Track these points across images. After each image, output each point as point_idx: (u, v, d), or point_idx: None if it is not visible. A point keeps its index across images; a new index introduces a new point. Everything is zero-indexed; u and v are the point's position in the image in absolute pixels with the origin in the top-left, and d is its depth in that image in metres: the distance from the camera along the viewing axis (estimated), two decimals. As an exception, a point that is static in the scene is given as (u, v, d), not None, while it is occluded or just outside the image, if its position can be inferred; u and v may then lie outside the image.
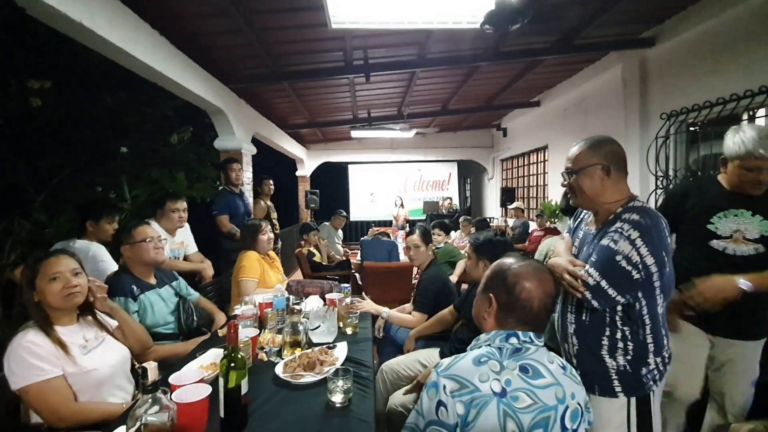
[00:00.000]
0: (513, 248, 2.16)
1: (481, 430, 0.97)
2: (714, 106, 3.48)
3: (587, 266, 1.31)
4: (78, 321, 1.58)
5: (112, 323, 1.74)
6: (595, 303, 1.29)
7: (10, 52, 4.03)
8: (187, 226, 3.11)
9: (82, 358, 1.47)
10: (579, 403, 1.07)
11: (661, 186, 4.12)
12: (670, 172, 4.04)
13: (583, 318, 1.39)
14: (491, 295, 1.15)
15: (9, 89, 4.12)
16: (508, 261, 1.19)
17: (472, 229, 5.92)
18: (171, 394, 1.18)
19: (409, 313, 2.59)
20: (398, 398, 1.95)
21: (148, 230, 2.15)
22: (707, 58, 3.60)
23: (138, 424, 0.98)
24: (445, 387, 1.01)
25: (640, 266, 1.24)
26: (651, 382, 1.33)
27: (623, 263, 1.24)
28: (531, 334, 1.10)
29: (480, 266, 2.07)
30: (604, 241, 1.29)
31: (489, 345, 1.10)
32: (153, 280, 2.18)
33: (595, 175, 1.37)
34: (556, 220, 6.21)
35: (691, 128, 3.91)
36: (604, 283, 1.26)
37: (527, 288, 1.11)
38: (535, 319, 1.12)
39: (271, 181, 5.19)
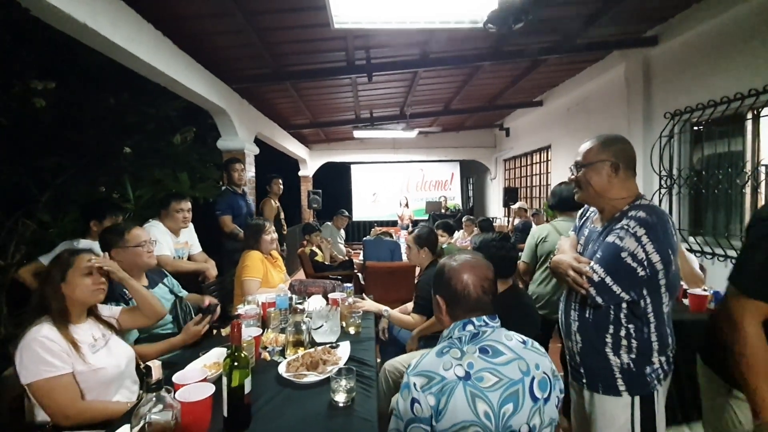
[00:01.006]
0: (512, 251, 2.13)
1: (452, 416, 1.00)
2: (718, 105, 3.47)
3: (592, 263, 1.32)
4: (86, 320, 1.60)
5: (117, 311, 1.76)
6: (599, 299, 1.29)
7: (14, 52, 4.04)
8: (191, 226, 3.12)
9: (92, 357, 1.48)
10: (545, 373, 1.10)
11: (665, 186, 4.10)
12: (674, 172, 4.02)
13: (587, 315, 1.39)
14: (438, 296, 1.24)
15: (12, 90, 4.14)
16: (444, 262, 1.27)
17: (475, 229, 5.91)
18: (175, 393, 1.19)
19: (409, 314, 2.59)
20: None
21: (142, 234, 2.09)
22: (711, 56, 3.58)
23: (142, 422, 0.98)
24: (415, 384, 1.05)
25: (645, 263, 1.24)
26: (655, 381, 1.32)
27: (628, 260, 1.24)
28: (484, 317, 1.16)
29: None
30: (610, 238, 1.30)
31: (450, 338, 1.16)
32: (144, 281, 2.14)
33: (603, 171, 1.39)
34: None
35: (695, 127, 3.90)
36: (608, 280, 1.26)
37: (462, 279, 1.19)
38: (478, 304, 1.18)
39: (281, 180, 5.13)
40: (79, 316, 1.56)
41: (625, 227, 1.27)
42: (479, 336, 1.13)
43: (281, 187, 5.07)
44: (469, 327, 1.15)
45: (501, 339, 1.13)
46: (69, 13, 2.10)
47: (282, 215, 5.13)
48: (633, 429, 1.32)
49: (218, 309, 2.17)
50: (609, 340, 1.34)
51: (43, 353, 1.37)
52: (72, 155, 4.68)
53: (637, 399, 1.32)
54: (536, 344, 1.18)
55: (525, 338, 1.17)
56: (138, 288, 1.82)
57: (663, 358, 1.33)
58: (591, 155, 1.41)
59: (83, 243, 2.43)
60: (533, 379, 1.06)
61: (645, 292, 1.28)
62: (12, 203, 4.49)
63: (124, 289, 2.00)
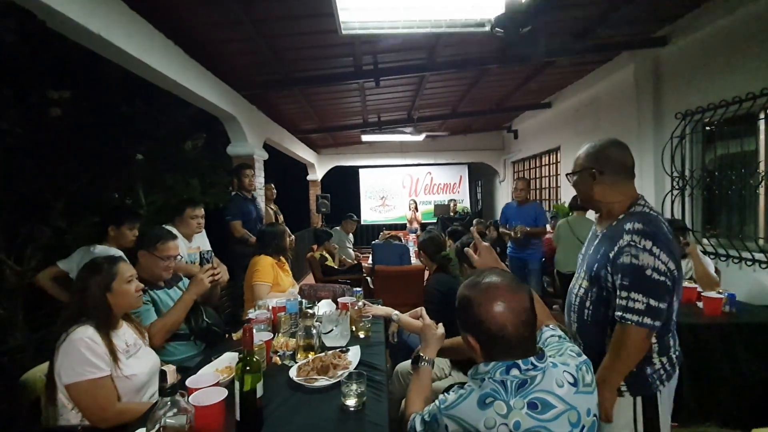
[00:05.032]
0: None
1: None
2: (730, 105, 3.42)
3: (624, 291, 1.27)
4: (122, 325, 1.64)
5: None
6: (657, 323, 1.25)
7: (31, 64, 4.15)
8: (203, 231, 3.17)
9: (126, 362, 1.51)
10: (596, 415, 1.02)
11: (677, 187, 4.05)
12: (686, 173, 3.97)
13: (585, 317, 1.40)
14: (469, 337, 1.05)
15: (29, 99, 4.24)
16: (466, 293, 1.06)
17: (487, 232, 5.89)
18: (188, 397, 1.20)
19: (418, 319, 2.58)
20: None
21: (172, 249, 2.15)
22: (722, 56, 3.54)
23: (157, 426, 1.00)
24: (447, 427, 0.96)
25: (668, 274, 1.24)
26: (657, 382, 1.32)
27: (655, 275, 1.23)
28: (532, 359, 0.99)
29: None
30: (625, 260, 1.27)
31: (491, 378, 1.00)
32: (161, 283, 2.21)
33: (585, 179, 1.43)
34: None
35: (707, 128, 3.84)
36: (653, 302, 1.23)
37: (495, 318, 1.00)
38: (520, 343, 1.00)
39: (273, 185, 5.23)
40: (117, 322, 1.60)
41: (632, 244, 1.26)
42: (528, 385, 0.96)
43: (274, 192, 5.20)
44: (515, 372, 0.98)
45: (552, 387, 0.97)
46: (84, 24, 2.15)
47: (281, 218, 5.17)
48: (636, 429, 1.32)
49: (213, 257, 2.30)
50: (608, 341, 1.34)
51: (89, 354, 1.40)
52: (86, 162, 4.77)
53: (639, 400, 1.33)
54: (586, 378, 1.03)
55: (575, 376, 1.01)
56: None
57: (665, 359, 1.33)
58: (576, 164, 1.48)
59: (99, 248, 2.48)
60: (583, 428, 0.97)
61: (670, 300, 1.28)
62: (28, 210, 4.59)
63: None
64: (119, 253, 2.48)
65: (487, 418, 0.93)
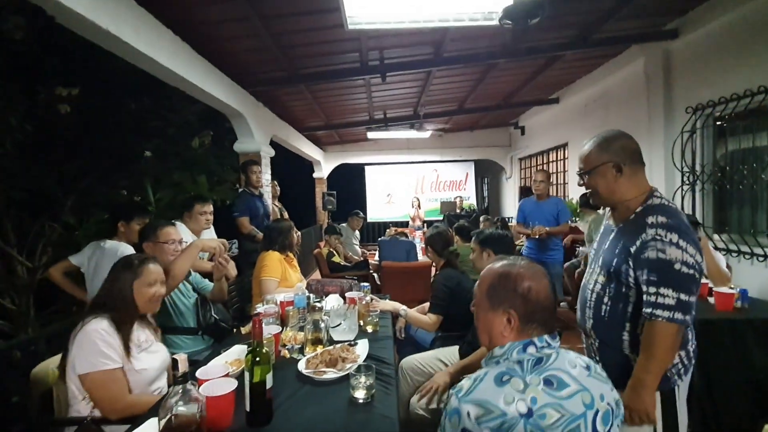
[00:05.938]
0: (512, 241, 2.37)
1: None
2: (741, 98, 3.37)
3: (652, 287, 1.24)
4: (135, 322, 1.64)
5: None
6: (688, 318, 1.22)
7: (40, 60, 4.18)
8: (211, 227, 3.19)
9: (137, 357, 1.53)
10: (609, 404, 1.01)
11: (687, 182, 4.00)
12: (697, 168, 3.92)
13: (602, 314, 1.38)
14: (510, 311, 1.06)
15: (38, 96, 4.28)
16: (503, 270, 1.10)
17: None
18: (198, 388, 1.21)
19: (426, 314, 2.58)
20: (420, 401, 1.94)
21: (172, 233, 2.18)
22: (733, 49, 3.49)
23: (169, 414, 1.01)
24: (469, 413, 0.94)
25: (696, 267, 1.22)
26: (675, 377, 1.31)
27: (684, 269, 1.21)
28: (546, 337, 1.03)
29: (484, 256, 2.25)
30: (650, 254, 1.24)
31: (507, 359, 1.02)
32: None
33: (607, 174, 1.36)
34: (577, 219, 6.09)
35: (719, 122, 3.79)
36: (683, 296, 1.21)
37: (536, 288, 1.05)
38: (553, 315, 1.06)
39: (276, 182, 5.27)
40: (134, 320, 1.62)
41: (657, 238, 1.23)
42: (543, 363, 0.99)
43: (278, 189, 5.21)
44: (531, 350, 1.01)
45: (565, 367, 0.99)
46: (93, 20, 2.17)
47: (285, 215, 5.20)
48: (655, 425, 1.30)
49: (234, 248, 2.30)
50: (626, 338, 1.33)
51: (103, 346, 1.42)
52: (95, 159, 4.81)
53: (657, 395, 1.30)
54: (599, 369, 1.06)
55: (588, 362, 1.05)
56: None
57: (683, 353, 1.31)
58: (591, 160, 1.39)
59: (109, 243, 2.50)
60: (597, 412, 0.96)
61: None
62: (38, 207, 4.64)
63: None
64: (129, 248, 2.51)
65: (505, 394, 0.94)
